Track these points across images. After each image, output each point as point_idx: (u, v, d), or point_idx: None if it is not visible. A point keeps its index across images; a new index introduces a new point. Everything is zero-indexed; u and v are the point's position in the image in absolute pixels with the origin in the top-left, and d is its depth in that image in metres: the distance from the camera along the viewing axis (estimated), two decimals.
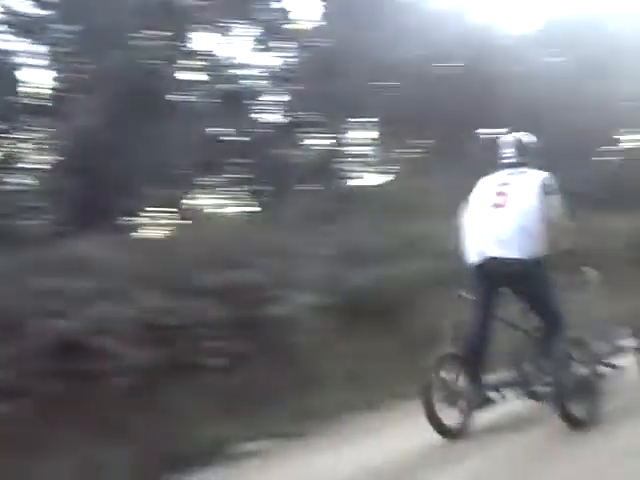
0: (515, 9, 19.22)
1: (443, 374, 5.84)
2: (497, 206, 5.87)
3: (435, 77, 12.41)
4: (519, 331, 6.28)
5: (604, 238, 13.44)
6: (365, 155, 14.85)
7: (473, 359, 5.92)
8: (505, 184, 5.93)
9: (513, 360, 6.26)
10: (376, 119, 14.37)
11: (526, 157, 6.03)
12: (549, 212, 5.80)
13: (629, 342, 6.68)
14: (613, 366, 6.34)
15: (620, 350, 6.59)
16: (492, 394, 6.01)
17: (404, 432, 6.47)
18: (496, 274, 5.88)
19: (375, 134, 14.71)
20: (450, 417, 5.75)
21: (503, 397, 6.05)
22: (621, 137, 20.08)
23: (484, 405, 5.97)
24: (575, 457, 5.03)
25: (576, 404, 5.53)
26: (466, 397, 5.87)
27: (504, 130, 16.18)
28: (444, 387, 5.80)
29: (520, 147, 6.06)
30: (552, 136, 15.65)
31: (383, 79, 13.42)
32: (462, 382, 5.87)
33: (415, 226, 9.91)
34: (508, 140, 6.15)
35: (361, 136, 14.94)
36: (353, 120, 14.48)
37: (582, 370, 5.72)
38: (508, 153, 6.06)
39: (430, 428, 5.73)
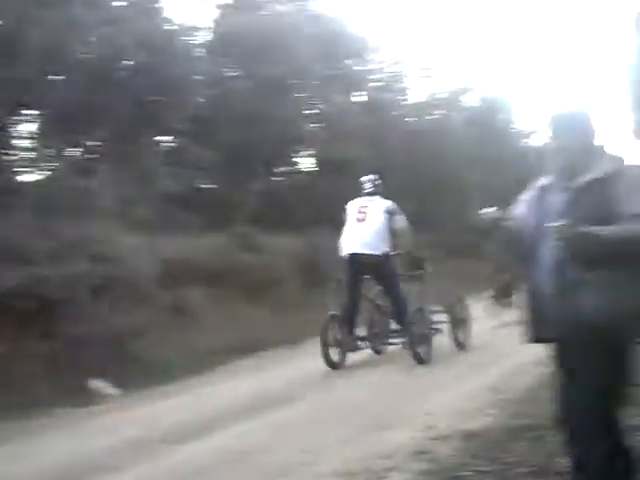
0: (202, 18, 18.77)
1: (332, 326, 9.35)
2: (360, 220, 9.44)
3: (110, 76, 12.01)
4: (374, 304, 10.09)
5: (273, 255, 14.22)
6: (31, 149, 14.06)
7: (347, 320, 9.43)
8: (365, 206, 9.48)
9: (368, 324, 10.03)
10: (45, 112, 13.59)
11: (377, 189, 9.66)
12: (394, 225, 9.42)
13: (443, 315, 10.23)
14: (436, 329, 9.93)
15: (439, 320, 10.14)
16: (360, 343, 9.74)
17: (44, 441, 6.44)
18: (359, 265, 9.40)
19: (42, 128, 13.94)
20: (335, 355, 9.22)
21: (366, 346, 9.89)
22: (299, 158, 20.73)
23: (355, 350, 9.59)
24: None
25: (421, 349, 9.18)
26: (344, 343, 9.38)
27: (174, 139, 16.42)
28: (332, 335, 9.26)
29: (374, 183, 9.71)
30: (227, 150, 16.15)
31: (56, 71, 12.73)
32: (341, 333, 9.37)
33: (76, 227, 9.64)
34: (367, 178, 9.76)
35: (28, 129, 14.13)
36: (20, 111, 13.60)
37: (422, 329, 9.42)
38: (367, 186, 9.66)
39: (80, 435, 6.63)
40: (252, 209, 15.90)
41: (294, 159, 20.38)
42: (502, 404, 6.91)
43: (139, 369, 9.06)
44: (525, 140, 31.84)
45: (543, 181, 3.68)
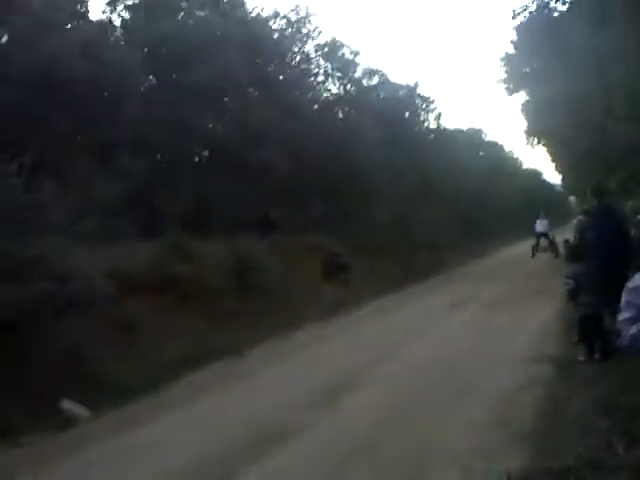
0: None
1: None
2: None
3: (52, 86, 11.65)
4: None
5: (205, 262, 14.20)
6: None
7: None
8: None
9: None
10: None
11: None
12: None
13: None
14: None
15: None
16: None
17: None
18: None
19: None
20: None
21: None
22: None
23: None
24: None
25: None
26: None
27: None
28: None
29: None
30: (153, 156, 16.02)
31: None
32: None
33: (30, 246, 9.42)
34: None
35: None
36: None
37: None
38: None
39: None
40: (180, 214, 15.84)
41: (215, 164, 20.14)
42: None
43: (101, 387, 9.00)
44: (431, 136, 32.75)
45: None
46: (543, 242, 31.31)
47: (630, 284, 3.86)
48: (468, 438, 6.82)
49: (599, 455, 5.85)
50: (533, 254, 31.19)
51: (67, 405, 8.21)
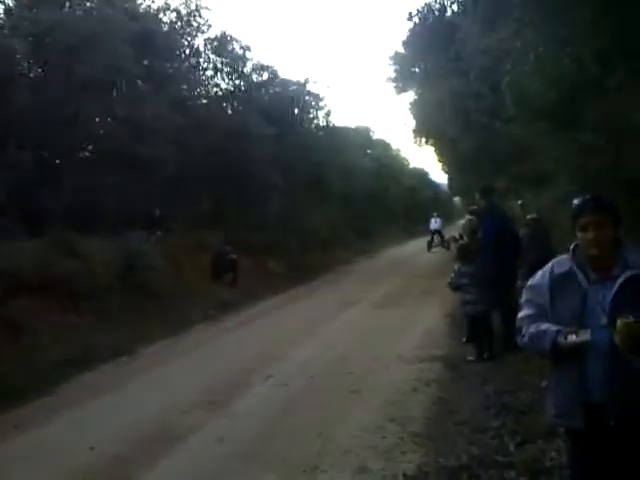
0: None
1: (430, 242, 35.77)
2: None
3: None
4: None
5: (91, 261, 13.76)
6: None
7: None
8: None
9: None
10: None
11: None
12: None
13: None
14: None
15: None
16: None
17: None
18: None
19: None
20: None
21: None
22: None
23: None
24: None
25: None
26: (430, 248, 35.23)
27: None
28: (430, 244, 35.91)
29: None
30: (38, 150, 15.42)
31: None
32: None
33: None
34: None
35: None
36: None
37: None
38: None
39: None
40: (66, 211, 15.32)
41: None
42: None
43: None
44: (321, 133, 32.71)
45: (558, 268, 3.72)
46: (437, 239, 35.48)
47: (530, 282, 3.82)
48: (362, 438, 6.86)
49: (491, 453, 6.02)
50: (429, 249, 34.79)
51: None
